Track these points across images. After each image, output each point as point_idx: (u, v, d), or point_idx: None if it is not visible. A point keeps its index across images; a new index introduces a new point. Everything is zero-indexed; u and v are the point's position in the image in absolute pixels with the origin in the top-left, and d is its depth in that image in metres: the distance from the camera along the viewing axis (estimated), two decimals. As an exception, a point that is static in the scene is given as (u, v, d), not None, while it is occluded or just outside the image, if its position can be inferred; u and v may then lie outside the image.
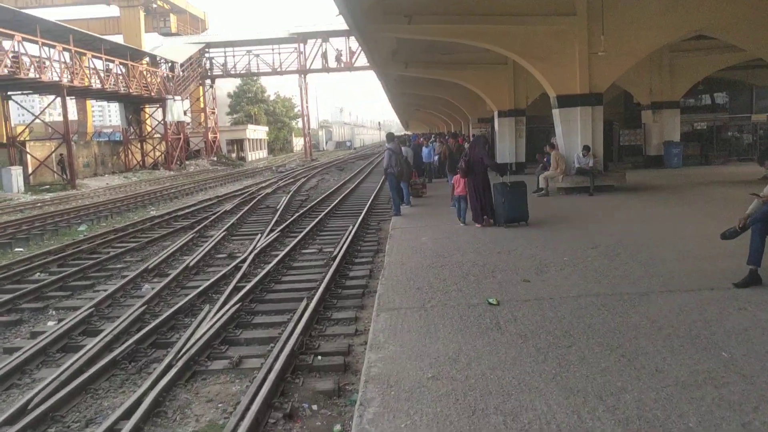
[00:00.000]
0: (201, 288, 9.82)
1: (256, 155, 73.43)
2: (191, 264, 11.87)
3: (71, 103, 49.18)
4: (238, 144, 69.84)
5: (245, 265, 11.36)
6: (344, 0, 13.77)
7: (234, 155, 67.62)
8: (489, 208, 12.33)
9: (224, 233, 15.59)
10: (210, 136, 62.14)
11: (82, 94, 42.92)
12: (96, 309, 9.09)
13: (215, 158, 60.88)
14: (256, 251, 12.73)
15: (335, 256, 11.64)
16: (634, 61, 16.73)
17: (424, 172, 29.55)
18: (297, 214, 18.42)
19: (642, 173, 22.50)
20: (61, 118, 38.14)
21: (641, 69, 23.96)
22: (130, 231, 17.18)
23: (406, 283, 7.92)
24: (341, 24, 26.02)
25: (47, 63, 33.55)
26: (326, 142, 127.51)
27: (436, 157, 27.69)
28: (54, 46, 34.20)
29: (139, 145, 51.68)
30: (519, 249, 9.68)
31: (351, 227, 14.94)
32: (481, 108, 34.28)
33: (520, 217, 12.15)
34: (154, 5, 65.57)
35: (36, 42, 32.87)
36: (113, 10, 63.99)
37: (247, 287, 9.59)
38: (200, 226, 17.23)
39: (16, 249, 16.26)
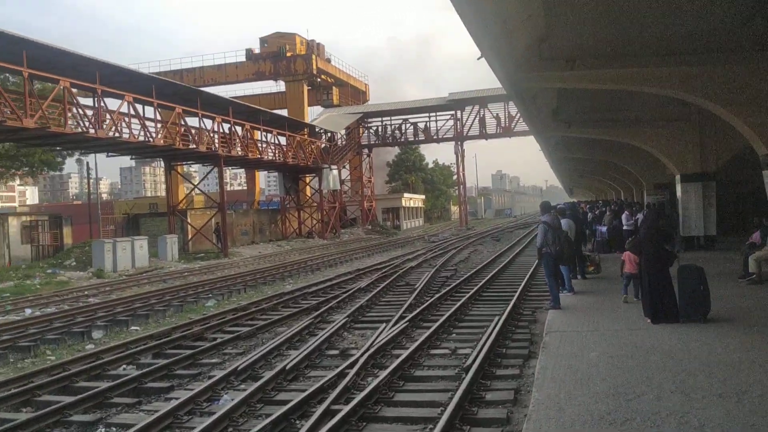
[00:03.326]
0: (284, 409, 7.35)
1: (411, 223, 72.20)
2: (290, 366, 9.51)
3: (241, 173, 51.11)
4: (394, 212, 69.05)
5: (352, 372, 8.80)
6: (491, 43, 11.29)
7: (389, 223, 66.81)
8: (666, 301, 9.04)
9: (347, 319, 13.25)
10: (366, 204, 61.80)
11: (240, 163, 43.86)
12: (143, 435, 6.93)
13: (370, 227, 60.20)
14: (373, 349, 10.18)
15: (469, 366, 8.74)
16: None
17: (589, 242, 25.86)
18: (436, 296, 15.74)
19: None
20: (232, 188, 39.12)
21: None
22: (252, 310, 15.52)
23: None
24: (500, 88, 23.83)
25: (207, 134, 34.25)
26: (485, 210, 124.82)
27: (604, 228, 24.07)
28: (213, 118, 34.92)
29: (296, 214, 52.10)
30: (754, 382, 6.20)
31: (498, 318, 11.97)
32: (658, 172, 29.94)
33: (693, 312, 9.02)
34: (319, 80, 67.84)
35: (196, 114, 33.74)
36: (281, 86, 67.03)
37: (342, 413, 7.00)
38: (326, 307, 15.14)
39: (132, 328, 15.09)
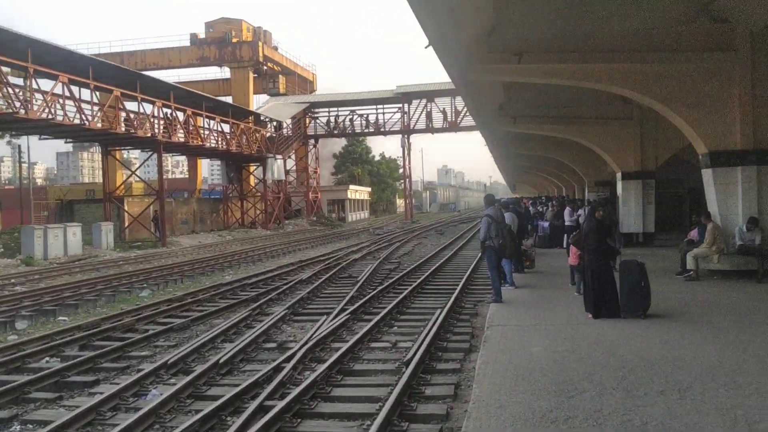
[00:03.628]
0: (215, 405, 6.97)
1: (357, 216, 71.87)
2: (224, 359, 9.10)
3: (184, 161, 49.82)
4: (339, 204, 68.57)
5: (289, 366, 8.48)
6: (439, 34, 11.07)
7: (334, 215, 66.34)
8: (608, 297, 9.05)
9: (286, 311, 12.88)
10: (311, 195, 61.17)
11: (181, 150, 42.69)
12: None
13: (315, 218, 59.61)
14: (312, 342, 9.86)
15: (409, 360, 8.52)
16: (817, 107, 12.89)
17: (531, 237, 26.07)
18: (379, 288, 15.50)
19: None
20: (174, 175, 37.98)
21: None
22: (188, 301, 14.98)
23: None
24: (448, 83, 23.69)
25: (147, 119, 33.13)
26: (430, 204, 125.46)
27: (547, 223, 24.32)
28: (153, 102, 33.80)
29: (239, 203, 51.13)
30: (694, 380, 6.16)
31: (440, 311, 11.80)
32: (599, 169, 30.47)
33: (634, 307, 9.12)
34: (265, 67, 66.68)
35: (136, 98, 32.58)
36: (226, 73, 65.56)
37: (276, 409, 6.67)
38: (266, 299, 14.71)
39: (60, 318, 14.32)
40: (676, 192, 28.47)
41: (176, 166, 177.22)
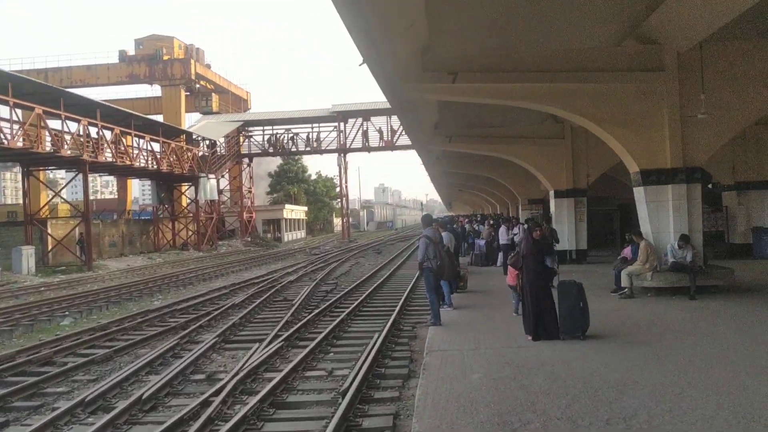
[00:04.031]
0: (133, 448, 6.41)
1: (293, 235, 70.89)
2: (147, 394, 8.48)
3: (114, 181, 48.01)
4: (275, 224, 67.51)
5: (218, 399, 7.95)
6: (374, 51, 10.85)
7: (270, 235, 65.26)
8: (547, 318, 8.93)
9: (216, 339, 12.27)
10: (245, 215, 59.98)
11: (108, 170, 41.13)
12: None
13: (249, 238, 58.43)
14: (243, 373, 9.34)
15: (346, 390, 8.13)
16: (740, 126, 13.33)
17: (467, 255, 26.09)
18: (315, 312, 15.05)
19: (734, 266, 18.53)
20: (103, 196, 36.40)
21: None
22: (112, 330, 14.17)
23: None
24: (384, 102, 23.51)
25: (68, 138, 31.71)
26: (367, 223, 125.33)
27: (483, 242, 24.38)
28: (79, 120, 32.44)
29: (170, 224, 49.59)
30: (639, 406, 5.98)
31: (378, 335, 11.47)
32: (533, 188, 30.98)
33: (574, 328, 9.03)
34: (198, 86, 65.38)
35: (60, 116, 31.18)
36: (157, 91, 63.90)
37: (201, 451, 6.17)
38: (196, 326, 14.06)
39: (-31, 352, 13.22)
40: (607, 209, 29.13)
41: (105, 186, 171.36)
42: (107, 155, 35.39)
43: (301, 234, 75.59)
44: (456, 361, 8.05)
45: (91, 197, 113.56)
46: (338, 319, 13.64)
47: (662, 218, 13.34)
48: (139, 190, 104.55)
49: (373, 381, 8.92)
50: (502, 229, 20.94)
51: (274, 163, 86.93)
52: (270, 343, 11.68)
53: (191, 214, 50.78)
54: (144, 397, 8.38)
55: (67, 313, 17.54)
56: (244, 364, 9.97)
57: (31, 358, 11.39)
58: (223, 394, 8.28)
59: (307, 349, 10.80)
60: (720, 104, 12.67)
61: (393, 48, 11.28)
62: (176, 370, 9.81)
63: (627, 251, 14.39)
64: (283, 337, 12.02)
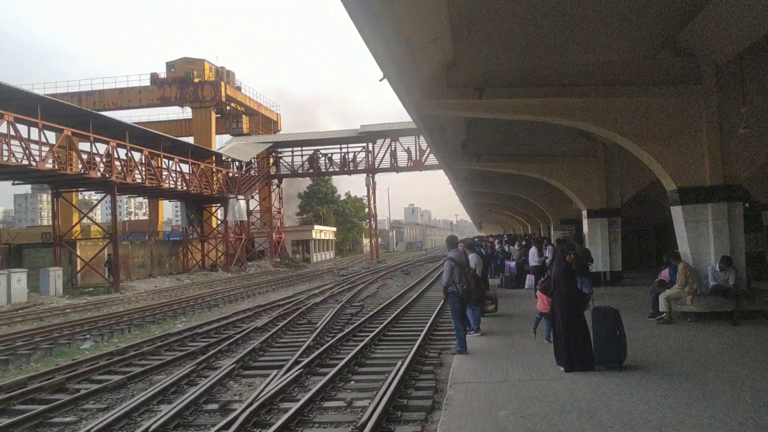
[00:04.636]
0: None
1: (322, 256, 70.70)
2: (155, 426, 8.06)
3: (145, 202, 48.25)
4: (304, 244, 67.42)
5: (229, 433, 7.50)
6: (394, 66, 10.44)
7: (299, 256, 65.13)
8: (581, 348, 8.28)
9: (234, 365, 11.85)
10: (275, 236, 59.94)
11: (137, 191, 41.40)
12: None
13: (278, 259, 58.31)
14: (257, 403, 8.88)
15: (364, 424, 7.61)
16: (786, 140, 12.52)
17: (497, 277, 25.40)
18: (338, 336, 14.58)
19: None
20: (137, 217, 36.58)
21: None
22: (130, 354, 13.84)
23: None
24: (411, 122, 23.12)
25: (97, 160, 31.91)
26: (396, 243, 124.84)
27: (513, 263, 23.68)
28: (107, 142, 32.67)
29: (199, 245, 49.70)
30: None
31: (401, 362, 10.93)
32: (564, 207, 30.22)
33: (610, 358, 8.35)
34: (228, 107, 65.94)
35: (88, 139, 31.43)
36: (188, 113, 64.59)
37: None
38: (215, 350, 13.68)
39: (-14, 377, 13.00)
40: (641, 229, 28.21)
41: (139, 207, 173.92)
42: (136, 177, 35.55)
43: (329, 254, 75.37)
44: (482, 395, 7.45)
45: (125, 219, 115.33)
46: (361, 344, 13.15)
47: (702, 239, 12.59)
48: (172, 212, 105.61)
49: (394, 413, 8.39)
50: (533, 251, 20.27)
51: (304, 183, 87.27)
52: (289, 369, 11.22)
53: (220, 235, 50.85)
54: (151, 429, 7.97)
55: (88, 336, 17.30)
56: (259, 394, 9.50)
57: (43, 384, 11.08)
58: (235, 426, 7.84)
59: (327, 377, 10.32)
60: (761, 118, 11.97)
61: (415, 63, 10.84)
62: (189, 399, 9.39)
63: (665, 273, 13.64)
64: (303, 363, 11.57)
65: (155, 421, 8.25)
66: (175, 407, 8.97)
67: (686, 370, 8.16)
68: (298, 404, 8.74)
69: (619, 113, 12.81)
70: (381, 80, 10.23)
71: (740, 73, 11.82)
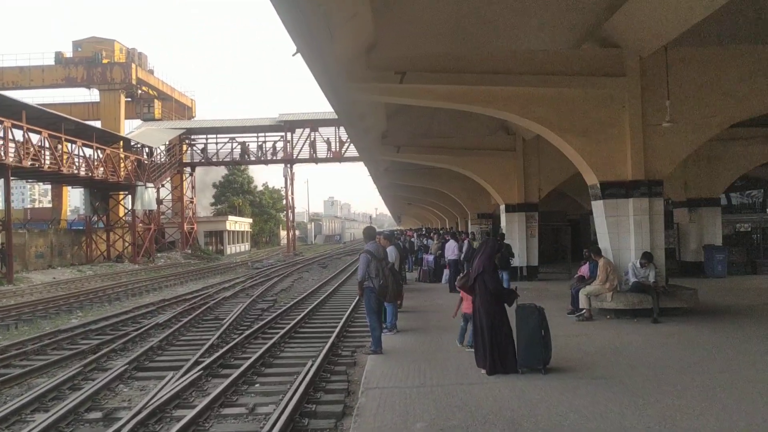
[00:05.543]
0: None
1: (237, 248, 68.68)
2: (21, 442, 6.96)
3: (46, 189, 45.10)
4: (218, 236, 65.22)
5: (108, 450, 6.50)
6: (310, 40, 9.57)
7: (212, 248, 62.94)
8: (504, 349, 7.75)
9: (127, 366, 10.72)
10: (186, 226, 57.58)
11: (35, 176, 38.55)
12: None
13: (190, 251, 56.06)
14: (147, 410, 7.87)
15: (266, 435, 6.79)
16: (706, 137, 12.47)
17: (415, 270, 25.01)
18: (246, 333, 13.61)
19: (688, 284, 17.86)
20: (41, 204, 33.84)
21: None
22: (11, 354, 12.44)
23: None
24: (332, 113, 22.21)
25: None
26: (315, 236, 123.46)
27: (431, 257, 23.30)
28: (1, 122, 30.08)
29: (104, 235, 46.97)
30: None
31: (312, 362, 10.13)
32: (482, 202, 30.12)
33: (534, 360, 7.84)
34: (140, 91, 62.82)
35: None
36: (95, 95, 61.07)
37: None
38: (108, 349, 12.46)
39: None
40: (557, 224, 28.45)
41: (44, 195, 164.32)
42: (33, 160, 33.00)
43: (245, 246, 73.37)
44: (397, 402, 6.70)
45: (27, 206, 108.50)
46: (270, 342, 12.28)
47: (622, 234, 12.39)
48: (80, 200, 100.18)
49: (300, 421, 7.58)
50: (450, 244, 19.83)
51: (219, 173, 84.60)
52: (188, 371, 10.21)
53: (128, 225, 48.28)
54: (16, 445, 6.86)
55: (-34, 333, 15.59)
56: (150, 400, 8.47)
57: None
58: (119, 436, 6.84)
59: (230, 379, 9.39)
60: (685, 113, 11.83)
61: (334, 41, 10.02)
62: (69, 406, 8.27)
63: (584, 269, 13.42)
64: (204, 364, 10.57)
65: (24, 435, 7.14)
66: (51, 416, 7.88)
67: (613, 373, 7.74)
68: (194, 411, 7.81)
69: (543, 104, 12.40)
70: (294, 55, 9.35)
71: (665, 66, 11.63)
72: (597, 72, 12.13)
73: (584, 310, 12.11)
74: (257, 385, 9.58)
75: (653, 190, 12.18)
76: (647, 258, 11.80)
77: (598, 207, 12.72)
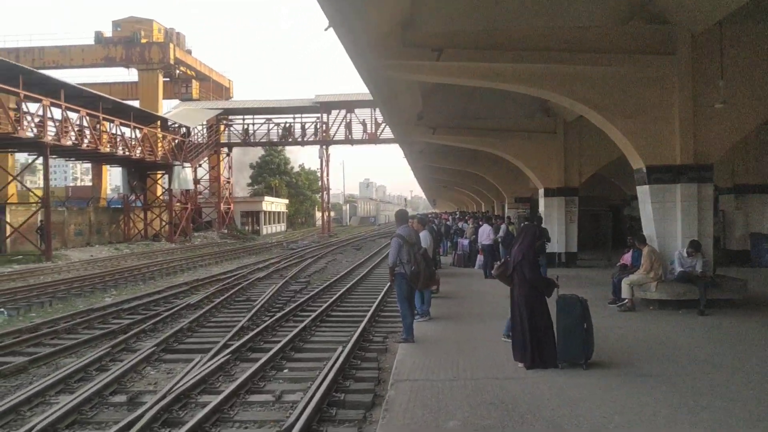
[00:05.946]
0: None
1: (272, 228, 69.04)
2: (43, 425, 6.81)
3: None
4: (254, 216, 65.59)
5: (129, 438, 6.30)
6: (345, 15, 9.18)
7: (248, 228, 63.34)
8: (543, 342, 7.31)
9: (155, 347, 10.59)
10: (223, 206, 57.95)
11: (73, 154, 39.02)
12: None
13: (226, 231, 56.46)
14: (171, 396, 7.68)
15: (292, 425, 6.52)
16: (761, 120, 11.76)
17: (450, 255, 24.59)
18: (276, 316, 13.41)
19: (735, 274, 17.05)
20: (83, 183, 34.30)
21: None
22: (42, 332, 12.43)
23: None
24: (368, 94, 21.79)
25: (29, 119, 29.64)
26: (350, 218, 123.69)
27: (467, 241, 22.81)
28: (40, 101, 30.39)
29: (142, 214, 47.53)
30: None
31: (342, 348, 9.85)
32: (520, 185, 29.48)
33: (575, 354, 7.37)
34: (177, 71, 63.18)
35: (17, 94, 29.10)
36: (133, 75, 61.65)
37: None
38: (138, 329, 12.36)
39: None
40: (597, 210, 27.64)
41: (86, 173, 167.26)
42: (71, 138, 33.35)
43: (281, 227, 73.76)
44: (428, 397, 6.32)
45: (70, 184, 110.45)
46: (301, 326, 12.04)
47: (669, 221, 11.78)
48: (120, 179, 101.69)
49: (328, 411, 7.29)
50: (484, 228, 19.26)
51: (257, 154, 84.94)
52: (216, 354, 10.02)
53: (165, 204, 48.76)
54: (36, 429, 6.70)
55: (2, 309, 15.71)
56: (175, 384, 8.29)
57: (-70, 367, 9.66)
58: (139, 425, 6.65)
59: (258, 364, 9.17)
60: (739, 94, 11.13)
61: (368, 15, 9.62)
62: (94, 389, 8.14)
63: (627, 257, 12.84)
64: (234, 347, 10.38)
65: (46, 417, 7.00)
66: (74, 399, 7.73)
67: (660, 370, 7.23)
68: (219, 397, 7.59)
69: (586, 82, 11.80)
70: (326, 29, 8.97)
71: (719, 44, 10.93)
72: (644, 50, 11.47)
73: (626, 300, 11.57)
74: (286, 371, 9.34)
75: (703, 175, 11.52)
76: (695, 247, 11.18)
77: (643, 192, 12.11)
